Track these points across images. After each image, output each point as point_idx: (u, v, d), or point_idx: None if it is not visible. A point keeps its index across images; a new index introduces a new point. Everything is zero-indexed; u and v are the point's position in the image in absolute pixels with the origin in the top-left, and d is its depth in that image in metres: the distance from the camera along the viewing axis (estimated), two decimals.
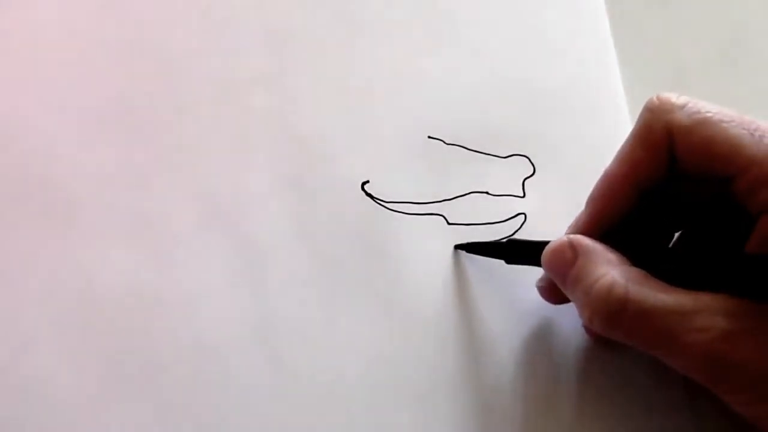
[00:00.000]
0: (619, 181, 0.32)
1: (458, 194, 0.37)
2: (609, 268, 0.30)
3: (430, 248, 0.36)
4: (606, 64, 0.41)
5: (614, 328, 0.30)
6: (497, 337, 0.34)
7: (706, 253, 0.31)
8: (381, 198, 0.36)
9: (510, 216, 0.37)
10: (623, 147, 0.32)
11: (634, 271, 0.30)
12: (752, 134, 0.30)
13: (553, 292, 0.34)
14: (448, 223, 0.36)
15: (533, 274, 0.34)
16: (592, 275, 0.30)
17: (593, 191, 0.33)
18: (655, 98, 0.32)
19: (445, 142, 0.38)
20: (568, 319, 0.35)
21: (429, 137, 0.38)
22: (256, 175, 0.36)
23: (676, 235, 0.34)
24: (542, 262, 0.33)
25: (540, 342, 0.35)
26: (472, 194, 0.37)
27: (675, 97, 0.31)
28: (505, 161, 0.38)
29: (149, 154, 0.35)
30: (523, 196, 0.37)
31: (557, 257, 0.32)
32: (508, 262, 0.35)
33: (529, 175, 0.38)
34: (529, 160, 0.38)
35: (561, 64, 0.40)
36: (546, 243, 0.32)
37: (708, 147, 0.30)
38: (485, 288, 0.35)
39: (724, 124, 0.30)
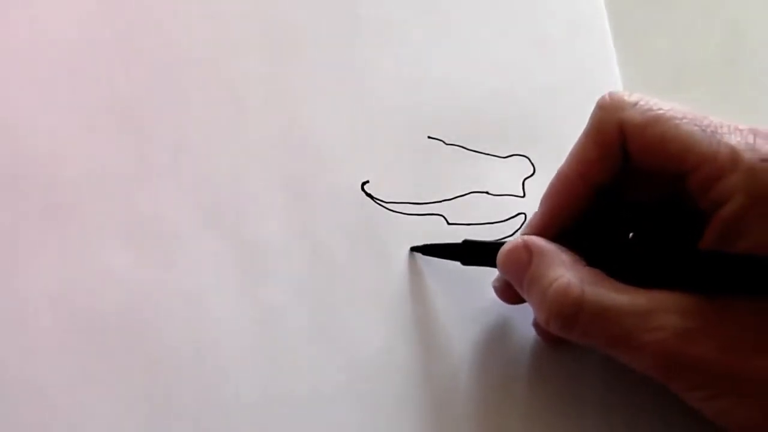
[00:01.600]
0: (572, 181, 0.32)
1: (458, 194, 0.37)
2: (564, 270, 0.30)
3: None
4: (606, 64, 0.41)
5: (571, 330, 0.30)
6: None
7: (660, 251, 0.31)
8: (381, 198, 0.36)
9: (510, 216, 0.37)
10: (576, 146, 0.32)
11: (590, 272, 0.30)
12: (704, 130, 0.29)
13: (509, 293, 0.34)
14: (448, 223, 0.36)
15: (491, 274, 0.34)
16: (547, 277, 0.30)
17: (547, 191, 0.33)
18: (607, 96, 0.31)
19: (445, 142, 0.38)
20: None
21: (429, 137, 0.38)
22: (256, 175, 0.36)
23: (632, 233, 0.34)
24: (497, 265, 0.32)
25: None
26: (472, 194, 0.37)
27: (627, 95, 0.31)
28: (505, 161, 0.38)
29: (149, 155, 0.35)
30: (523, 196, 0.37)
31: (512, 259, 0.32)
32: (465, 263, 0.34)
33: (529, 175, 0.38)
34: (529, 160, 0.38)
35: (561, 64, 0.40)
36: (502, 243, 0.32)
37: (660, 144, 0.30)
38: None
39: (676, 121, 0.30)
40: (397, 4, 0.40)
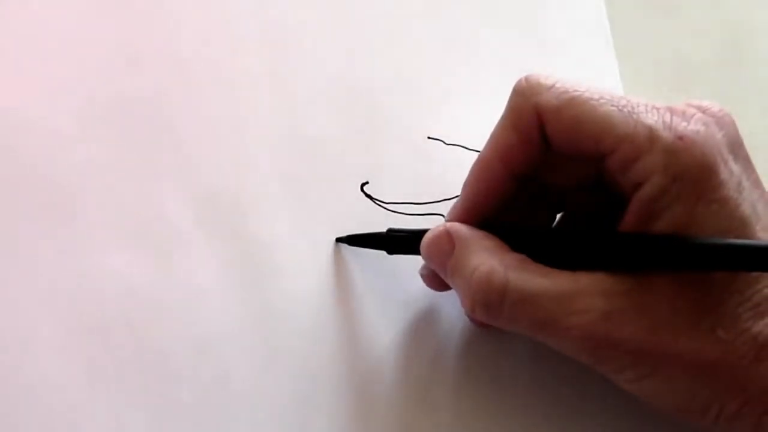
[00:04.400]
0: (491, 166, 0.32)
1: (458, 194, 0.37)
2: (487, 256, 0.30)
3: None
4: (606, 64, 0.41)
5: (496, 317, 0.30)
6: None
7: (582, 234, 0.31)
8: (381, 198, 0.36)
9: None
10: (494, 132, 0.32)
11: (513, 257, 0.30)
12: (621, 110, 0.29)
13: (436, 280, 0.33)
14: None
15: (418, 262, 0.34)
16: (470, 265, 0.30)
17: (467, 177, 0.33)
18: (523, 80, 0.31)
19: (445, 143, 0.38)
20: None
21: (429, 137, 0.38)
22: (256, 175, 0.36)
23: (558, 216, 0.34)
24: (421, 254, 0.32)
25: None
26: None
27: (544, 78, 0.31)
28: None
29: (149, 154, 0.35)
30: None
31: (434, 248, 0.32)
32: (390, 252, 0.34)
33: None
34: None
35: (561, 65, 0.40)
36: (425, 231, 0.32)
37: (577, 126, 0.30)
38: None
39: (593, 102, 0.29)
40: (398, 3, 0.40)
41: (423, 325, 0.35)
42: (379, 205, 0.36)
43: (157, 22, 0.38)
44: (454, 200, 0.34)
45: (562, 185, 0.33)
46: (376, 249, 0.35)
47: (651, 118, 0.29)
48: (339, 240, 0.35)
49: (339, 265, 0.35)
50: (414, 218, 0.36)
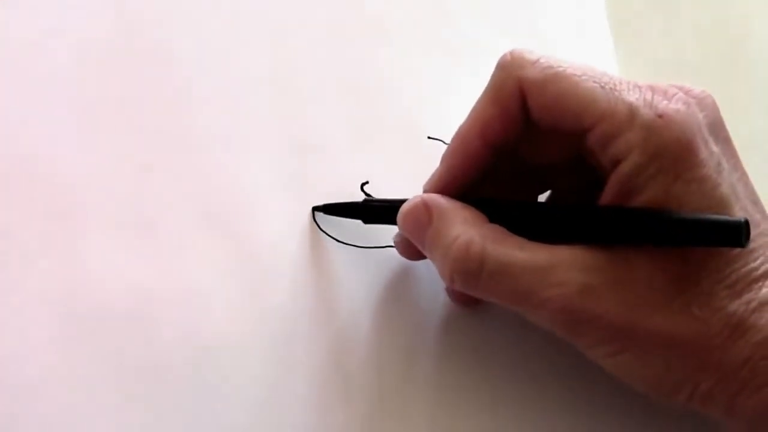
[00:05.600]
0: (471, 138, 0.32)
1: None
2: (466, 227, 0.30)
3: None
4: (606, 64, 0.41)
5: (474, 287, 0.30)
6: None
7: (560, 207, 0.31)
8: (381, 198, 0.36)
9: None
10: (476, 104, 0.32)
11: (492, 229, 0.30)
12: (603, 87, 0.29)
13: (410, 249, 0.34)
14: None
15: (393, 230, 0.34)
16: (448, 235, 0.30)
17: (447, 149, 0.33)
18: (507, 54, 0.31)
19: (444, 142, 0.38)
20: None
21: (429, 137, 0.38)
22: (256, 175, 0.36)
23: (540, 198, 0.34)
24: (398, 225, 0.32)
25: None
26: None
27: (527, 53, 0.31)
28: None
29: (149, 154, 0.35)
30: None
31: (412, 219, 0.32)
32: (366, 222, 0.34)
33: None
34: None
35: None
36: (402, 202, 0.32)
37: (559, 102, 0.30)
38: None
39: (576, 78, 0.30)
40: (398, 4, 0.40)
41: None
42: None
43: (158, 22, 0.38)
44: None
45: (543, 164, 0.33)
46: (352, 218, 0.35)
47: (632, 96, 0.29)
48: (315, 209, 0.35)
49: (339, 265, 0.35)
50: None
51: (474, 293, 0.30)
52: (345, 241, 0.35)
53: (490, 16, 0.41)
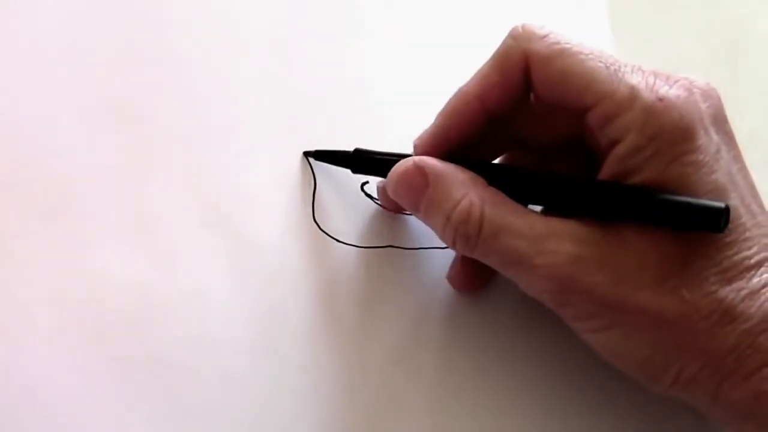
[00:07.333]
0: (467, 100, 0.32)
1: None
2: (465, 190, 0.30)
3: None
4: None
5: (472, 249, 0.30)
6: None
7: (558, 178, 0.31)
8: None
9: None
10: (481, 69, 0.32)
11: (489, 191, 0.30)
12: (607, 68, 0.30)
13: (394, 201, 0.34)
14: None
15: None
16: (450, 199, 0.30)
17: (443, 107, 0.33)
18: (519, 26, 0.32)
19: (376, 201, 0.38)
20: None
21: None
22: (256, 175, 0.36)
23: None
24: (389, 189, 0.33)
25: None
26: None
27: (538, 28, 0.31)
28: None
29: (149, 154, 0.35)
30: None
31: (406, 183, 0.32)
32: (354, 171, 0.35)
33: None
34: None
35: None
36: (393, 157, 0.33)
37: (563, 78, 0.30)
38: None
39: (581, 56, 0.30)
40: (398, 3, 0.40)
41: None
42: (379, 205, 0.36)
43: (158, 22, 0.38)
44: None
45: (540, 144, 0.33)
46: (341, 166, 0.35)
47: (635, 78, 0.29)
48: (306, 154, 0.36)
49: (340, 265, 0.35)
50: (414, 218, 0.36)
51: (471, 255, 0.31)
52: (345, 241, 0.35)
53: (491, 17, 0.41)
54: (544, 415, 0.34)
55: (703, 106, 0.30)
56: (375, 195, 0.36)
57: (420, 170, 0.31)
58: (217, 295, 0.34)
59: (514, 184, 0.31)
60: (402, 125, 0.38)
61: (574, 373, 0.34)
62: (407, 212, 0.33)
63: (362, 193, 0.36)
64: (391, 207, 0.35)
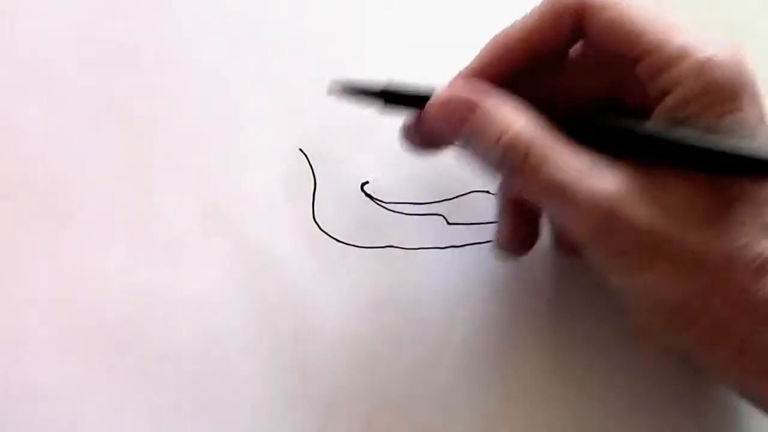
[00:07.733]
0: (515, 36, 0.32)
1: (458, 194, 0.37)
2: (515, 117, 0.30)
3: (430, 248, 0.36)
4: None
5: (515, 176, 0.30)
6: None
7: (606, 120, 0.31)
8: (381, 198, 0.36)
9: None
10: (532, 11, 0.32)
11: (539, 122, 0.30)
12: (660, 22, 0.30)
13: (417, 137, 0.33)
14: (448, 223, 0.36)
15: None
16: (499, 124, 0.30)
17: (487, 42, 0.33)
18: None
19: (377, 200, 0.38)
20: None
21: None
22: (256, 175, 0.36)
23: None
24: (432, 111, 0.31)
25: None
26: (472, 194, 0.37)
27: None
28: None
29: (149, 155, 0.35)
30: None
31: (454, 105, 0.31)
32: (387, 102, 0.33)
33: None
34: None
35: None
36: (427, 91, 0.31)
37: (616, 26, 0.30)
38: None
39: (635, 9, 0.30)
40: (398, 3, 0.40)
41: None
42: (380, 205, 0.36)
43: (157, 23, 0.38)
44: (455, 200, 0.34)
45: (571, 103, 0.33)
46: (371, 101, 0.33)
47: (689, 35, 0.30)
48: (332, 89, 0.33)
49: (339, 265, 0.35)
50: (414, 218, 0.36)
51: (514, 184, 0.31)
52: (345, 241, 0.35)
53: (491, 17, 0.41)
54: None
55: (750, 73, 0.30)
56: (375, 195, 0.36)
57: (473, 91, 0.31)
58: (217, 295, 0.34)
59: (561, 121, 0.31)
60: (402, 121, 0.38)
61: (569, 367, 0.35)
62: (430, 148, 0.32)
63: (362, 193, 0.36)
64: (417, 142, 0.33)
